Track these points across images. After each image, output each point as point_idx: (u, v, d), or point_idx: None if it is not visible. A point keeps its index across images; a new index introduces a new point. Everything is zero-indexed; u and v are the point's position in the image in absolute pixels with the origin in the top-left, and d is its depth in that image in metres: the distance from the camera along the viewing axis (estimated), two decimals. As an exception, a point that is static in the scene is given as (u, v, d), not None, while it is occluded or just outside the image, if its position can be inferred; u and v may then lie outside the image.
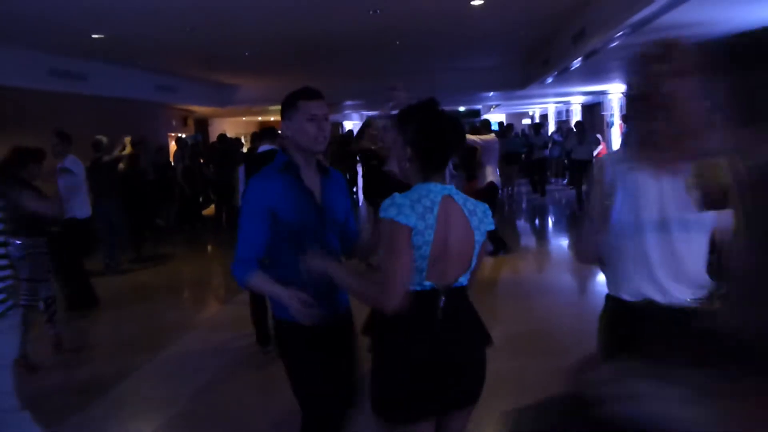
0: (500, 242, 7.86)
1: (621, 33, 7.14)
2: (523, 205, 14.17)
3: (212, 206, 12.30)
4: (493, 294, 6.50)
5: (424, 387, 1.95)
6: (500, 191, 9.84)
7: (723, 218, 1.79)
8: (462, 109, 27.27)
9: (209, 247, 10.78)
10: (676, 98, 1.80)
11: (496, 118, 28.62)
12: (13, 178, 4.58)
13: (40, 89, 9.49)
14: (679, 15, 6.14)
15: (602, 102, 18.16)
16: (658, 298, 1.89)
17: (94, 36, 8.29)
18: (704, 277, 1.92)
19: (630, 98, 1.98)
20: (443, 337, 1.97)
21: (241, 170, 5.48)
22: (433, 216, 1.91)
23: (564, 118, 21.95)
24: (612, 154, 2.14)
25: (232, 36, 8.85)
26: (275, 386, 3.53)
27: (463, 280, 2.04)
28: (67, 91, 9.93)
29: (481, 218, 2.04)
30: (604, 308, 2.10)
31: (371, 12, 7.67)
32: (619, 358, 1.76)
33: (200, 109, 16.83)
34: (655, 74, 1.86)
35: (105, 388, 4.42)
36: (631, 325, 1.95)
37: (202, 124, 19.15)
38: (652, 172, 1.87)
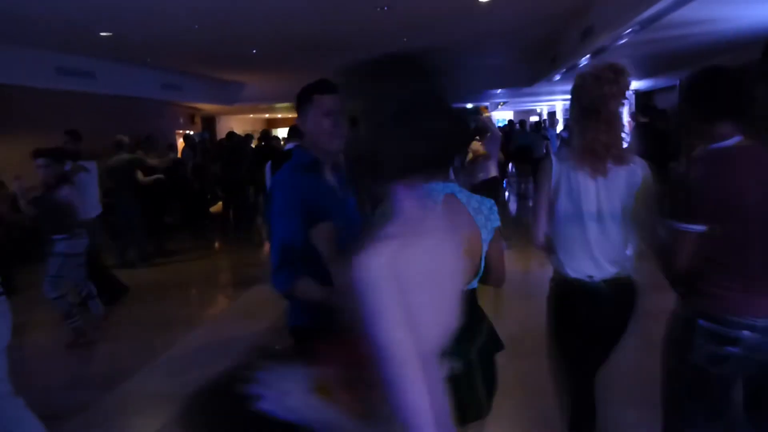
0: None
1: (629, 30, 7.09)
2: (530, 202, 14.14)
3: (220, 203, 12.34)
4: (498, 292, 6.47)
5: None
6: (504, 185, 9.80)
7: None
8: (469, 106, 27.24)
9: (217, 244, 10.80)
10: (616, 115, 2.29)
11: (503, 115, 28.56)
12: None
13: (48, 88, 9.53)
14: (687, 12, 6.09)
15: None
16: (595, 273, 2.36)
17: (101, 34, 8.30)
18: (625, 254, 2.42)
19: (582, 110, 2.34)
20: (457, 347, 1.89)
21: (267, 167, 5.41)
22: None
23: (566, 118, 21.82)
24: (557, 155, 2.49)
25: (240, 34, 8.85)
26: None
27: (474, 282, 2.00)
28: (74, 89, 9.96)
29: (487, 216, 2.01)
30: (550, 287, 2.54)
31: (379, 9, 7.65)
32: (562, 329, 2.50)
33: (207, 107, 16.86)
34: (606, 94, 2.27)
35: (114, 383, 4.45)
36: (572, 297, 2.42)
37: (210, 122, 19.20)
38: (591, 172, 2.33)
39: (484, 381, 2.03)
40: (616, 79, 2.28)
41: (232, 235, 11.04)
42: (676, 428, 2.17)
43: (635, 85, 15.44)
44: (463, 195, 1.98)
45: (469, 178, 7.69)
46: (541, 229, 2.45)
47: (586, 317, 2.40)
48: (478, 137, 7.53)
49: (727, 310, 2.00)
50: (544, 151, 15.06)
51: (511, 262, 7.62)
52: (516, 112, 30.53)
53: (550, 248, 2.47)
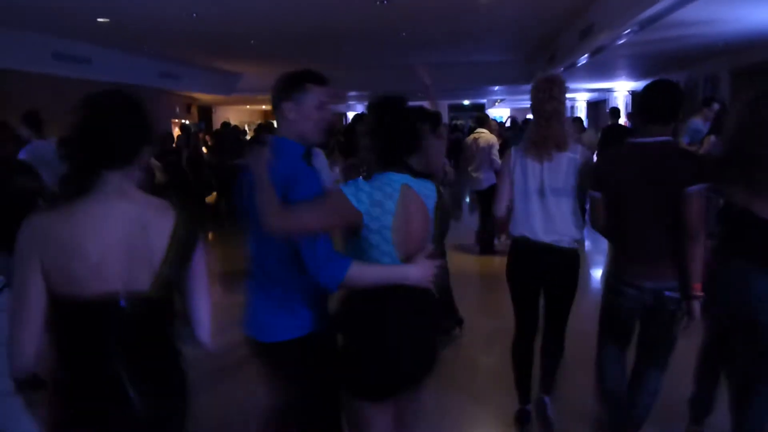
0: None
1: (629, 30, 7.09)
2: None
3: (214, 193, 12.29)
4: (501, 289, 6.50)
5: (405, 366, 2.10)
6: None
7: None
8: (466, 102, 27.21)
9: (210, 234, 10.77)
10: (553, 114, 3.02)
11: (500, 112, 28.54)
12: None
13: (45, 73, 9.47)
14: (687, 13, 6.10)
15: (607, 99, 18.11)
16: (531, 237, 3.11)
17: (99, 20, 8.26)
18: (569, 227, 3.09)
19: (531, 111, 3.14)
20: (414, 320, 2.11)
21: None
22: (393, 203, 2.00)
23: (568, 115, 21.86)
24: (516, 146, 3.22)
25: (238, 24, 8.82)
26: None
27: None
28: (70, 75, 9.90)
29: (432, 197, 2.18)
30: (510, 246, 3.30)
31: (378, 2, 7.62)
32: (511, 274, 3.29)
33: (204, 97, 16.81)
34: (542, 99, 3.04)
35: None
36: (518, 251, 3.22)
37: (206, 112, 19.13)
38: (537, 157, 3.07)
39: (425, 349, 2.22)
40: (550, 87, 3.03)
41: (227, 225, 11.01)
42: (600, 345, 3.06)
43: (632, 85, 15.46)
44: (415, 184, 2.10)
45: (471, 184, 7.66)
46: (503, 203, 3.22)
47: (525, 264, 3.20)
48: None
49: (621, 273, 2.84)
50: None
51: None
52: (513, 110, 30.56)
53: (508, 217, 3.23)
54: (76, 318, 1.62)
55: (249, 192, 2.04)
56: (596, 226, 2.94)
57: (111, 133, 1.64)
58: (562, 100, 3.05)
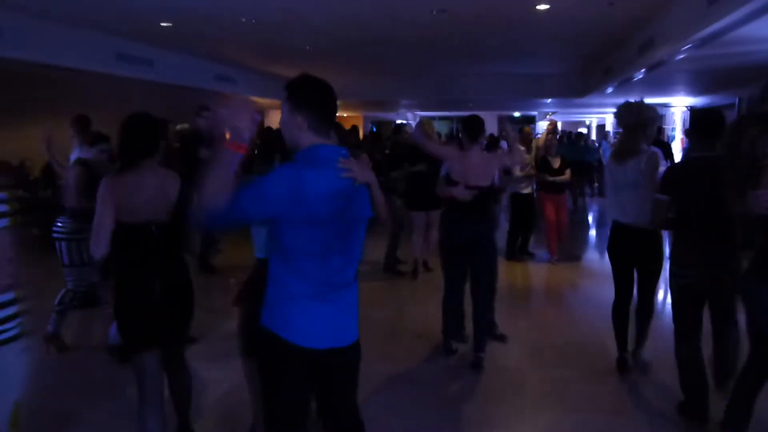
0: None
1: (690, 45, 6.94)
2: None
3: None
4: (536, 302, 6.42)
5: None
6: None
7: None
8: (517, 114, 26.98)
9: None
10: (631, 130, 4.15)
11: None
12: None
13: (108, 72, 9.80)
14: (750, 30, 5.94)
15: (664, 115, 17.69)
16: (620, 218, 4.22)
17: (162, 24, 8.52)
18: (640, 212, 3.94)
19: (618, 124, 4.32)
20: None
21: None
22: None
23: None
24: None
25: (295, 30, 8.97)
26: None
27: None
28: (132, 75, 10.23)
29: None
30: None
31: (434, 12, 7.65)
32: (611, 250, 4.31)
33: (257, 100, 17.10)
34: (634, 117, 4.18)
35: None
36: (612, 231, 4.34)
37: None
38: (619, 161, 4.17)
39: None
40: (637, 111, 4.14)
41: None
42: (680, 320, 3.64)
43: (691, 101, 15.08)
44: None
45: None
46: (443, 192, 4.51)
47: (617, 241, 4.24)
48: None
49: (685, 258, 3.52)
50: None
51: (553, 275, 7.58)
52: (564, 123, 30.14)
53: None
54: (128, 234, 2.89)
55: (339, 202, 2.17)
56: (657, 221, 3.70)
57: (137, 142, 3.00)
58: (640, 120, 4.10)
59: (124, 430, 3.50)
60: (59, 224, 4.76)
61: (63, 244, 4.72)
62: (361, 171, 2.17)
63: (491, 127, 18.98)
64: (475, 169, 4.43)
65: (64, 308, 4.78)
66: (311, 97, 2.19)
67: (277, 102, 15.99)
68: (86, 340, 5.32)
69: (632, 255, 4.15)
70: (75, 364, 4.70)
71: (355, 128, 12.45)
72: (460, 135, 5.18)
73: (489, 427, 3.67)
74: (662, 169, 3.89)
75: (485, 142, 4.62)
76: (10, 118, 9.58)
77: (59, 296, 4.77)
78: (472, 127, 4.60)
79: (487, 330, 4.66)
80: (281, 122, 2.24)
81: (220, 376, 4.35)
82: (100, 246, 2.79)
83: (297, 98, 2.17)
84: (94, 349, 4.95)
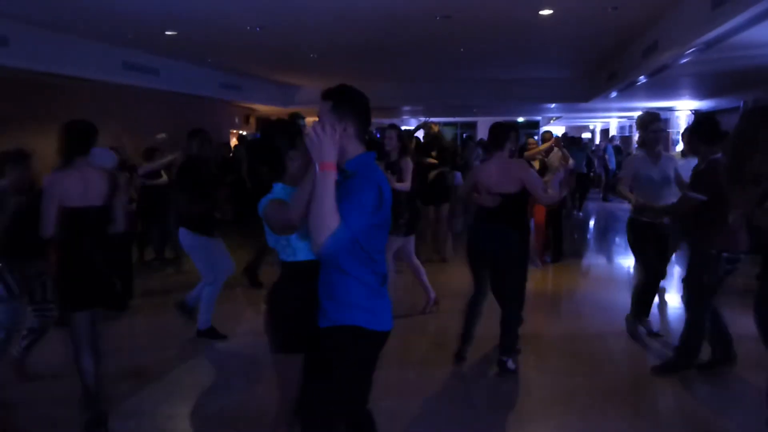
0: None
1: (694, 49, 6.94)
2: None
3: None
4: (542, 306, 6.41)
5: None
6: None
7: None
8: (521, 119, 26.98)
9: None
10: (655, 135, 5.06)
11: (555, 130, 28.16)
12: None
13: (114, 82, 9.87)
14: (755, 33, 5.94)
15: (668, 119, 17.65)
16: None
17: (167, 33, 8.58)
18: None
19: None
20: None
21: None
22: None
23: (627, 134, 21.49)
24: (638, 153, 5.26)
25: (300, 37, 9.01)
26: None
27: None
28: (138, 84, 10.30)
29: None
30: (629, 219, 5.19)
31: (438, 18, 7.68)
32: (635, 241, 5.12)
33: (263, 108, 17.18)
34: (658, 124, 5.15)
35: (153, 377, 4.55)
36: (639, 225, 5.04)
37: (264, 123, 19.54)
38: (653, 159, 5.00)
39: None
40: (658, 118, 5.15)
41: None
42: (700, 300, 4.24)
43: (696, 105, 15.05)
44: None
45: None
46: (626, 186, 5.06)
47: (648, 231, 4.92)
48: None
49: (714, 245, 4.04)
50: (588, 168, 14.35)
51: (564, 279, 7.56)
52: (568, 128, 30.14)
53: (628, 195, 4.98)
54: (71, 216, 3.53)
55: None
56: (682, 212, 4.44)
57: (73, 143, 3.63)
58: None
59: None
60: None
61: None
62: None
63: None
64: (497, 175, 4.44)
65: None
66: (358, 106, 2.31)
67: (278, 108, 16.09)
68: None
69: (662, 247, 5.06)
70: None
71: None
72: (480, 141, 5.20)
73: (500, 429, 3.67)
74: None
75: (513, 149, 4.59)
76: (18, 128, 9.64)
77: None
78: (496, 134, 4.63)
79: (512, 336, 4.57)
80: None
81: (223, 381, 4.35)
82: (48, 227, 3.49)
83: (345, 106, 2.28)
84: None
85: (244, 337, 5.37)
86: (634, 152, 4.54)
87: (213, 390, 4.32)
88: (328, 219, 2.09)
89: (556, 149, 7.98)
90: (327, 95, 2.30)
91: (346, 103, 2.28)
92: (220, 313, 5.36)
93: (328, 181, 2.10)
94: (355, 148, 2.29)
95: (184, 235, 5.13)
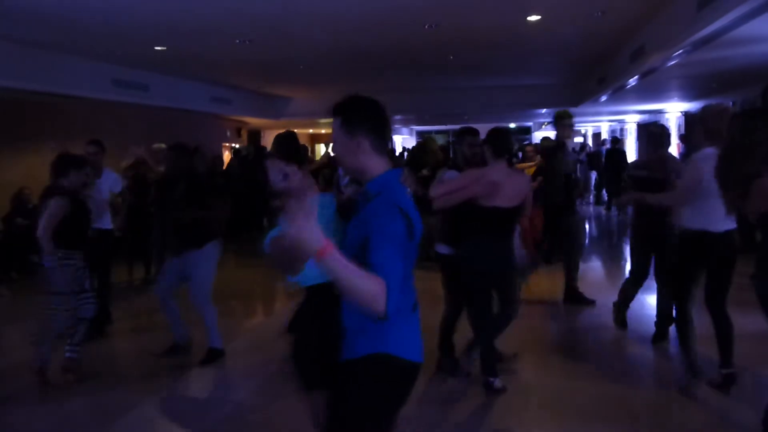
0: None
1: (681, 51, 6.98)
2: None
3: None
4: (536, 312, 6.39)
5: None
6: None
7: None
8: (512, 125, 27.05)
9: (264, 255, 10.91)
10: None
11: (546, 135, 28.24)
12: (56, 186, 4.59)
13: (105, 99, 9.85)
14: (741, 32, 5.98)
15: (659, 121, 17.75)
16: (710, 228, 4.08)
17: (156, 48, 8.57)
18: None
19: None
20: None
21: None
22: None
23: (619, 137, 21.55)
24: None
25: (288, 49, 9.02)
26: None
27: None
28: (128, 101, 10.28)
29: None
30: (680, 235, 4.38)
31: (426, 27, 7.70)
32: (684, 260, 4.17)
33: (254, 121, 17.18)
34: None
35: (155, 390, 4.51)
36: (695, 242, 4.12)
37: (256, 136, 19.55)
38: None
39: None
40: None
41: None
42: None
43: (686, 107, 15.13)
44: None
45: None
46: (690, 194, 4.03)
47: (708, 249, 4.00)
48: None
49: None
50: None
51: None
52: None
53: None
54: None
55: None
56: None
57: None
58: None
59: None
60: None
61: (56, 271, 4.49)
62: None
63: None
64: (504, 189, 4.01)
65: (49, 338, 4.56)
66: (370, 116, 2.06)
67: (272, 122, 16.11)
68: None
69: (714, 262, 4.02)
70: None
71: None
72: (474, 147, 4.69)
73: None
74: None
75: (516, 156, 4.33)
76: (8, 146, 9.62)
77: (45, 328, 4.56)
78: (497, 139, 4.14)
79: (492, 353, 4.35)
80: (337, 149, 2.09)
81: (222, 397, 4.32)
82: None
83: (356, 120, 2.04)
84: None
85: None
86: (705, 150, 3.90)
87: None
88: (369, 290, 1.76)
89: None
90: (335, 110, 2.06)
91: (355, 115, 2.04)
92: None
93: (336, 264, 1.72)
94: (375, 165, 2.04)
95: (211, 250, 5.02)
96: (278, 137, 2.99)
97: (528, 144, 9.21)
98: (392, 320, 1.87)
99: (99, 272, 5.72)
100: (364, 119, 2.04)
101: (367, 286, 1.75)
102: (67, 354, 4.64)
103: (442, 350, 4.59)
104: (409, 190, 2.05)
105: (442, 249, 4.49)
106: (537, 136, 26.50)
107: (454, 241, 4.34)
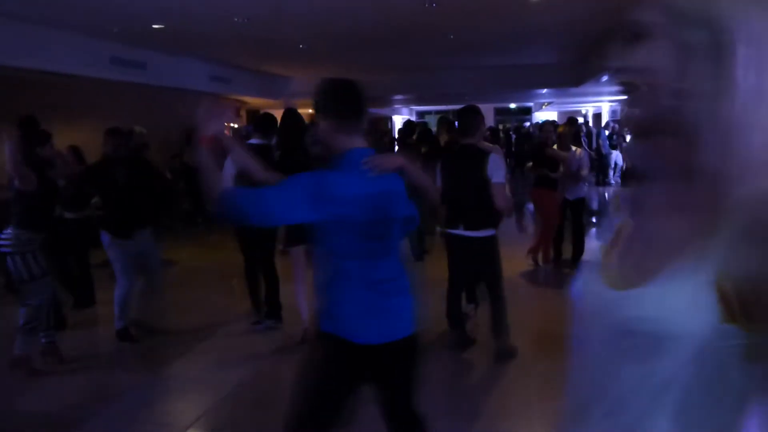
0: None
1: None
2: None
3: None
4: (536, 291, 6.41)
5: None
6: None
7: None
8: (513, 106, 26.96)
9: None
10: None
11: (547, 116, 28.16)
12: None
13: (102, 77, 9.77)
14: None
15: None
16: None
17: (154, 26, 8.49)
18: None
19: None
20: None
21: None
22: None
23: (619, 118, 21.50)
24: None
25: (288, 28, 8.94)
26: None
27: None
28: (127, 79, 10.20)
29: None
30: None
31: (426, 5, 7.62)
32: None
33: (253, 101, 17.07)
34: None
35: (154, 371, 4.54)
36: None
37: (255, 116, 19.46)
38: None
39: None
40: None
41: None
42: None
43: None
44: None
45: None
46: None
47: None
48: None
49: None
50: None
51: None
52: (560, 113, 30.14)
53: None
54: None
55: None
56: None
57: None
58: None
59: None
60: (4, 236, 4.41)
61: (17, 257, 4.35)
62: (387, 160, 2.20)
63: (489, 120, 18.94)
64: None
65: (33, 326, 4.45)
66: (333, 101, 2.20)
67: (271, 101, 16.01)
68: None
69: None
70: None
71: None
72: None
73: (500, 418, 3.66)
74: None
75: (484, 135, 4.23)
76: (6, 125, 9.56)
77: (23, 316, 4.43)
78: (466, 119, 4.21)
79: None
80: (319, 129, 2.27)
81: (222, 377, 4.34)
82: None
83: (320, 105, 2.21)
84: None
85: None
86: None
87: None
88: (211, 187, 2.05)
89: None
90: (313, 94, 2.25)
91: (321, 99, 2.21)
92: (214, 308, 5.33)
93: (205, 156, 2.11)
94: (342, 143, 2.17)
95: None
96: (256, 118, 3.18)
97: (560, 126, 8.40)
98: (339, 301, 2.13)
99: (77, 255, 5.79)
100: (328, 102, 2.19)
101: (214, 187, 2.03)
102: (43, 340, 4.58)
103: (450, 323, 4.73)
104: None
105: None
106: (538, 117, 26.42)
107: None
